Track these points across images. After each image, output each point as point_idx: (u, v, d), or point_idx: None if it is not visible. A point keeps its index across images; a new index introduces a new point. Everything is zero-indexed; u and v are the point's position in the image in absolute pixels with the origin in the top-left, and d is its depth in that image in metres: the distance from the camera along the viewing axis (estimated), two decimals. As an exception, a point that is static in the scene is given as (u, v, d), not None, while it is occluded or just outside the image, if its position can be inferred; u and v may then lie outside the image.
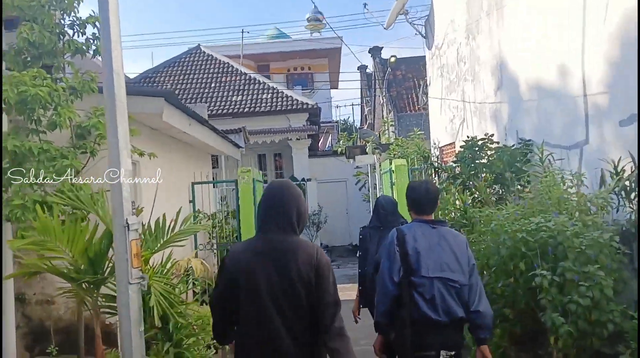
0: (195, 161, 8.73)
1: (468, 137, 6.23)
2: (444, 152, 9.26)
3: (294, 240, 2.39)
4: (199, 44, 18.32)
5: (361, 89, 22.12)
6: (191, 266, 5.29)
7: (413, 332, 2.80)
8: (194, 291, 6.36)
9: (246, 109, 15.03)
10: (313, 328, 2.31)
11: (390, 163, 8.21)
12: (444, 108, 9.18)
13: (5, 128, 4.04)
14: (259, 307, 2.30)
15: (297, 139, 14.81)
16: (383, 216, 4.34)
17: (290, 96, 15.49)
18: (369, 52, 17.98)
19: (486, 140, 5.90)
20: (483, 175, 5.65)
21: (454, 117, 8.67)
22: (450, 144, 8.81)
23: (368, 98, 20.92)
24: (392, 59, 13.68)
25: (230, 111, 15.08)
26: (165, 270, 4.07)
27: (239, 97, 15.63)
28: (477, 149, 5.86)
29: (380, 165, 9.36)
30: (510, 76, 6.37)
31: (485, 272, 3.86)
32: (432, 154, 9.53)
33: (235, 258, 2.39)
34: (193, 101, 15.43)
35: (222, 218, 8.63)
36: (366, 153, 9.40)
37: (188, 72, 17.01)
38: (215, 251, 8.79)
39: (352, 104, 21.70)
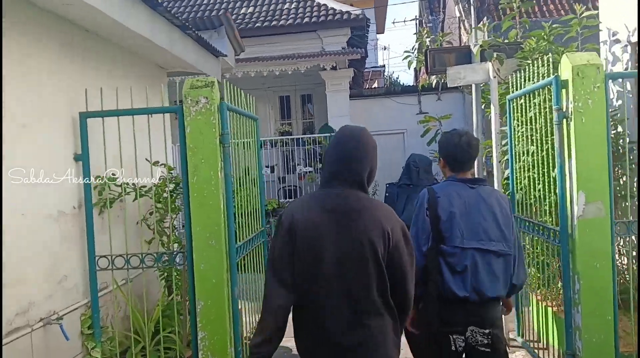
0: (118, 78, 4.01)
1: None
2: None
3: (367, 198, 1.99)
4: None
5: (420, 11, 16.77)
6: None
7: (439, 307, 2.44)
8: None
9: (258, 24, 10.18)
10: (378, 302, 1.91)
11: (553, 69, 3.38)
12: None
13: None
14: (322, 274, 1.89)
15: (332, 67, 9.89)
16: (415, 173, 4.25)
17: (324, 4, 10.50)
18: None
19: None
20: None
21: None
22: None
23: (430, 23, 15.63)
24: None
25: (237, 27, 10.26)
26: None
27: (250, 9, 10.77)
28: None
29: (500, 84, 4.45)
30: None
31: None
32: (611, 57, 4.51)
33: (296, 214, 1.94)
34: (186, 14, 10.69)
35: (168, 194, 3.96)
36: (470, 62, 4.58)
37: (182, -21, 12.20)
38: (158, 269, 3.94)
39: (405, 20, 15.53)
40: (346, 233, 1.89)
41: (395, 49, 55.42)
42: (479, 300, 2.44)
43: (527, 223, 3.85)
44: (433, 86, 9.80)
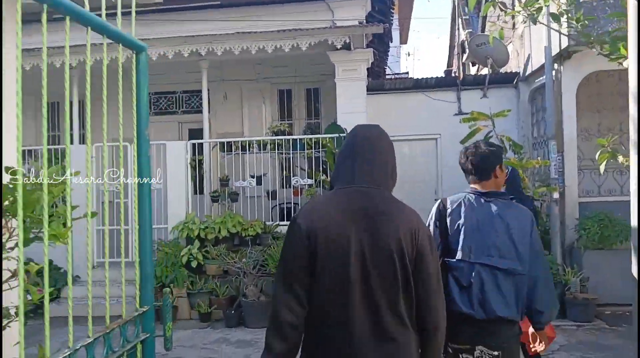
0: None
1: None
2: None
3: (394, 199, 1.78)
4: None
5: (456, 6, 14.29)
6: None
7: (449, 323, 2.04)
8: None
9: (247, -13, 7.76)
10: (404, 314, 1.69)
11: None
12: None
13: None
14: (347, 282, 1.65)
15: (345, 46, 7.36)
16: (519, 187, 3.89)
17: (336, -35, 8.04)
18: None
19: None
20: None
21: None
22: None
23: (467, 16, 13.12)
24: None
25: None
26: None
27: (240, -29, 8.36)
28: None
29: None
30: None
31: None
32: None
33: (313, 216, 1.70)
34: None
35: None
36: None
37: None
38: None
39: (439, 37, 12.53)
40: (374, 236, 1.67)
41: (421, 55, 52.18)
42: (486, 318, 2.31)
43: None
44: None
